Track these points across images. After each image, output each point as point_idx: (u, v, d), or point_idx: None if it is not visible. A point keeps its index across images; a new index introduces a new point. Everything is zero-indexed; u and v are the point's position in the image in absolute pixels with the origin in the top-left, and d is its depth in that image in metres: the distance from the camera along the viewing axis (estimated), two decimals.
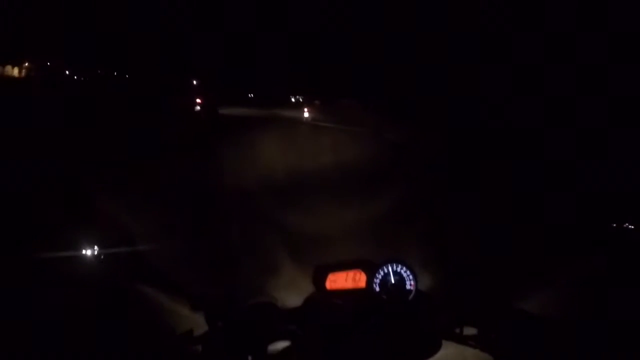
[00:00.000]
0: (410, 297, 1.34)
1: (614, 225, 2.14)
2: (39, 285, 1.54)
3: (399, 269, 1.36)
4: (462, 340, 1.31)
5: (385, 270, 1.36)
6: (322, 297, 1.36)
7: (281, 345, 1.30)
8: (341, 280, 1.38)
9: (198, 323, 1.30)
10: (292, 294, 1.40)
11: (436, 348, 1.30)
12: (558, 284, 1.46)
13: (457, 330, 1.32)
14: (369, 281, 1.36)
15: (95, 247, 1.59)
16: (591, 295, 1.53)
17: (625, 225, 2.10)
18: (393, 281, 1.35)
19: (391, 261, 1.37)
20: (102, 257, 1.58)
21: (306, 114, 11.88)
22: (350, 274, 1.38)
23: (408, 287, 1.35)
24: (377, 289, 1.35)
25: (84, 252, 1.58)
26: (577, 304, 1.45)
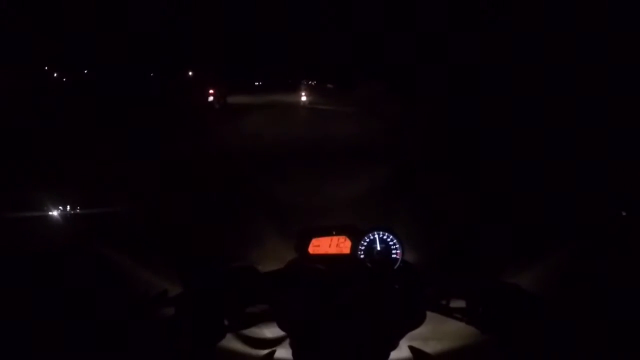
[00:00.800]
0: (396, 266, 1.28)
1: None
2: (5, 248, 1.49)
3: (385, 237, 1.30)
4: (447, 312, 1.26)
5: (371, 237, 1.30)
6: (305, 262, 1.30)
7: (259, 308, 1.25)
8: (325, 246, 1.32)
9: (172, 285, 1.25)
10: (272, 257, 1.34)
11: (420, 319, 1.24)
12: (551, 260, 1.42)
13: (443, 303, 1.27)
14: (354, 247, 1.30)
15: (66, 207, 1.53)
16: (585, 274, 1.49)
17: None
18: (379, 249, 1.29)
19: (378, 228, 1.31)
20: (68, 215, 1.52)
21: (303, 98, 12.35)
22: (335, 239, 1.32)
23: (394, 255, 1.29)
24: (362, 256, 1.29)
25: (53, 212, 1.52)
26: (570, 280, 1.41)
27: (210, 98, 13.73)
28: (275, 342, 1.32)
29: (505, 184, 3.01)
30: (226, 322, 1.22)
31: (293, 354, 1.19)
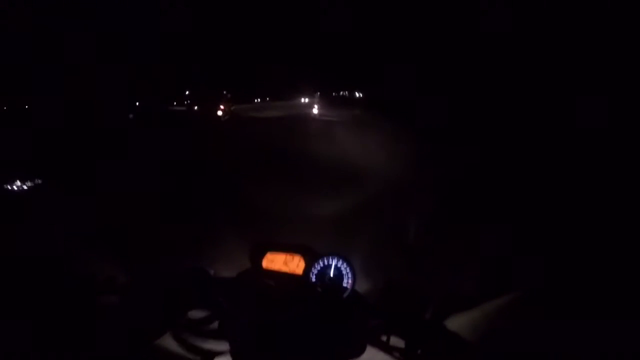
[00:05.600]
0: (345, 294, 1.30)
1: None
2: None
3: (339, 264, 1.32)
4: (387, 349, 1.27)
5: (326, 262, 1.32)
6: (256, 275, 1.31)
7: (203, 313, 1.25)
8: (279, 262, 1.33)
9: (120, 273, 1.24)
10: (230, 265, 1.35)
11: (359, 351, 1.25)
12: (493, 311, 1.45)
13: (384, 339, 1.28)
14: (307, 269, 1.31)
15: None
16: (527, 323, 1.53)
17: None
18: (331, 275, 1.31)
19: (334, 254, 1.33)
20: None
21: (315, 110, 15.49)
22: (290, 257, 1.33)
23: (345, 284, 1.31)
24: (314, 279, 1.30)
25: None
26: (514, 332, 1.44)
27: (219, 112, 17.73)
28: (216, 351, 1.31)
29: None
30: (167, 320, 1.22)
31: None
